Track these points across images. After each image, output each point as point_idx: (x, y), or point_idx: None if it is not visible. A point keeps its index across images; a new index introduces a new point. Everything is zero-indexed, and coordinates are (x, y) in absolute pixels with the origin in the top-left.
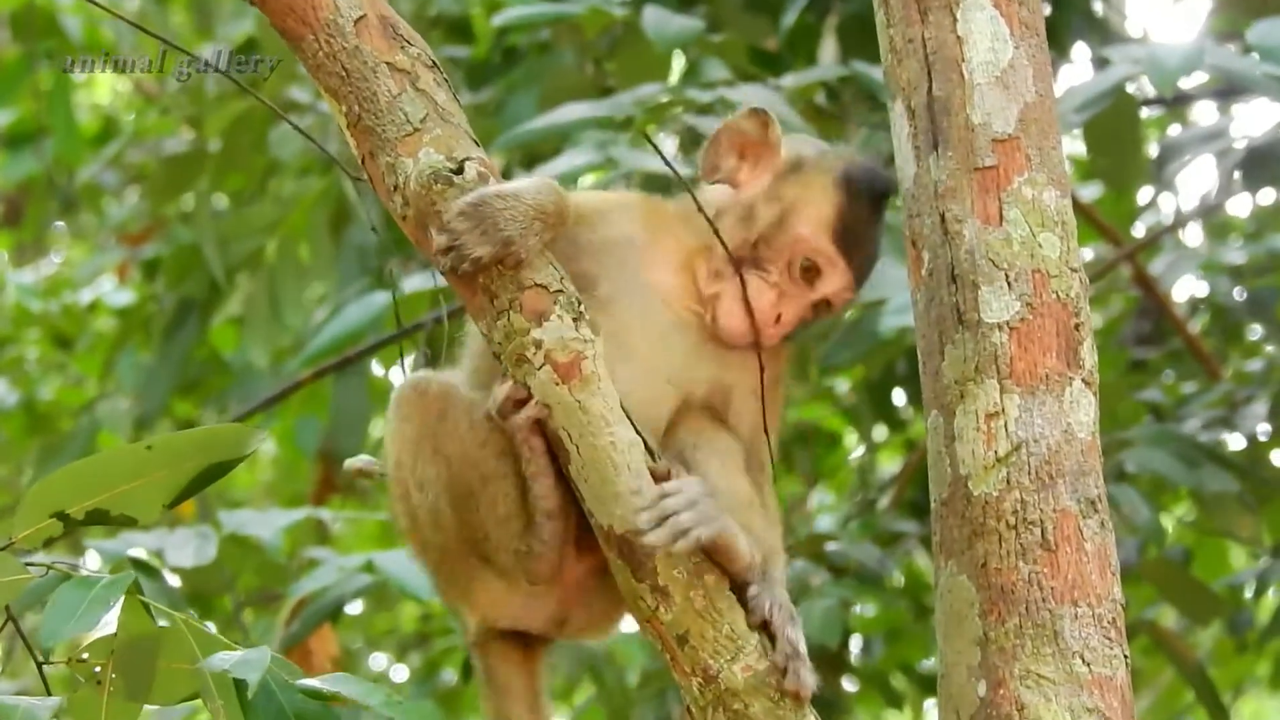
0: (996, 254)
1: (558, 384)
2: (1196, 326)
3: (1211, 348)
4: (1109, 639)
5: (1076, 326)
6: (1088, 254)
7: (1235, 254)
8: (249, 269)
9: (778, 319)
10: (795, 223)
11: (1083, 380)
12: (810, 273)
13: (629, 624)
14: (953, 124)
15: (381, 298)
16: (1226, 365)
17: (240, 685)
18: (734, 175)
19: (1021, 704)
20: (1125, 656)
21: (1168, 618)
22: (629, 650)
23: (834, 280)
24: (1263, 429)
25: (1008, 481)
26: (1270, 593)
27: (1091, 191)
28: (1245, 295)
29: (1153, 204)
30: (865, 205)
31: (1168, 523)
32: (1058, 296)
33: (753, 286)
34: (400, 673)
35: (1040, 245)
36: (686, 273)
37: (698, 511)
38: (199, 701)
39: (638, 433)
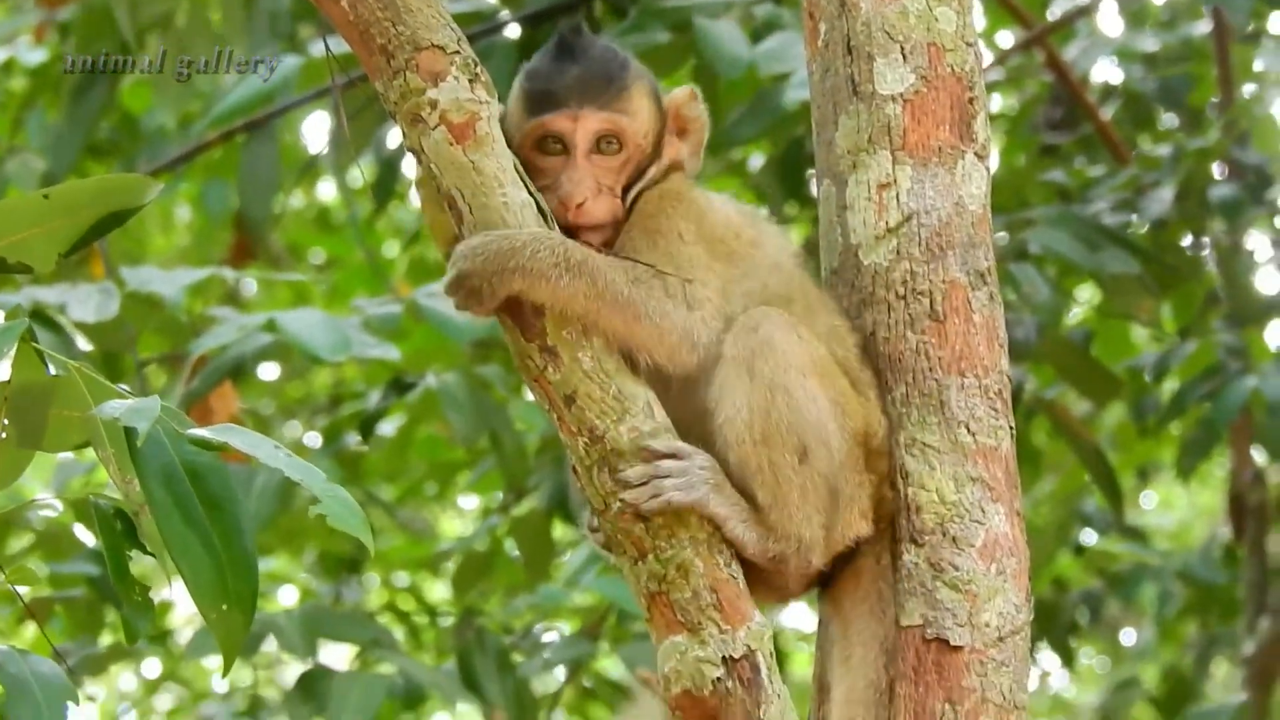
0: (893, 26)
1: (452, 144)
2: (1109, 114)
3: (1123, 135)
4: (995, 410)
5: (970, 100)
6: (1005, 38)
7: (1149, 41)
8: (160, 30)
9: (578, 206)
10: (514, 143)
11: (975, 153)
12: (555, 146)
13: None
14: None
15: (291, 61)
16: (1137, 153)
17: (130, 434)
18: None
19: (906, 471)
20: (1011, 428)
21: (1075, 404)
22: (529, 416)
23: (564, 127)
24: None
25: (898, 252)
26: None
27: None
28: (1158, 83)
29: None
30: (545, 68)
31: (1071, 306)
32: (952, 70)
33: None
34: (313, 440)
35: (936, 19)
36: None
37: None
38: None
39: (530, 194)
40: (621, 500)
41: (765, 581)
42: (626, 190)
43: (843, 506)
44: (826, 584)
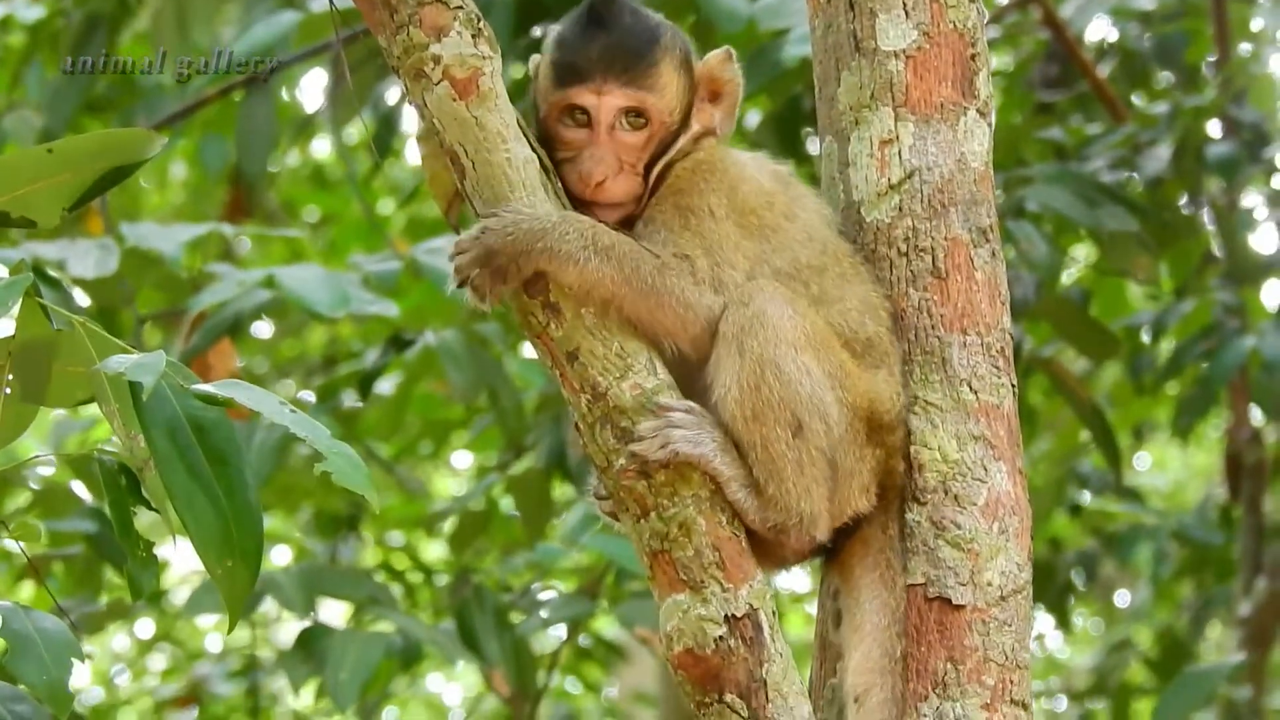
0: None
1: (454, 100)
2: (1105, 71)
3: (1120, 93)
4: (997, 368)
5: (973, 57)
6: None
7: None
8: None
9: (598, 184)
10: (541, 112)
11: (977, 110)
12: (579, 118)
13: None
14: None
15: (289, 17)
16: (1133, 111)
17: (135, 388)
18: None
19: (908, 429)
20: (1013, 385)
21: (1073, 363)
22: (527, 374)
23: (588, 100)
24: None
25: (900, 209)
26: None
27: None
28: (1154, 41)
29: None
30: (574, 38)
31: (1068, 264)
32: (955, 26)
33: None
34: (308, 399)
35: None
36: None
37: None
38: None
39: (533, 149)
40: (630, 451)
41: (763, 548)
42: (651, 165)
43: (842, 480)
44: (831, 553)
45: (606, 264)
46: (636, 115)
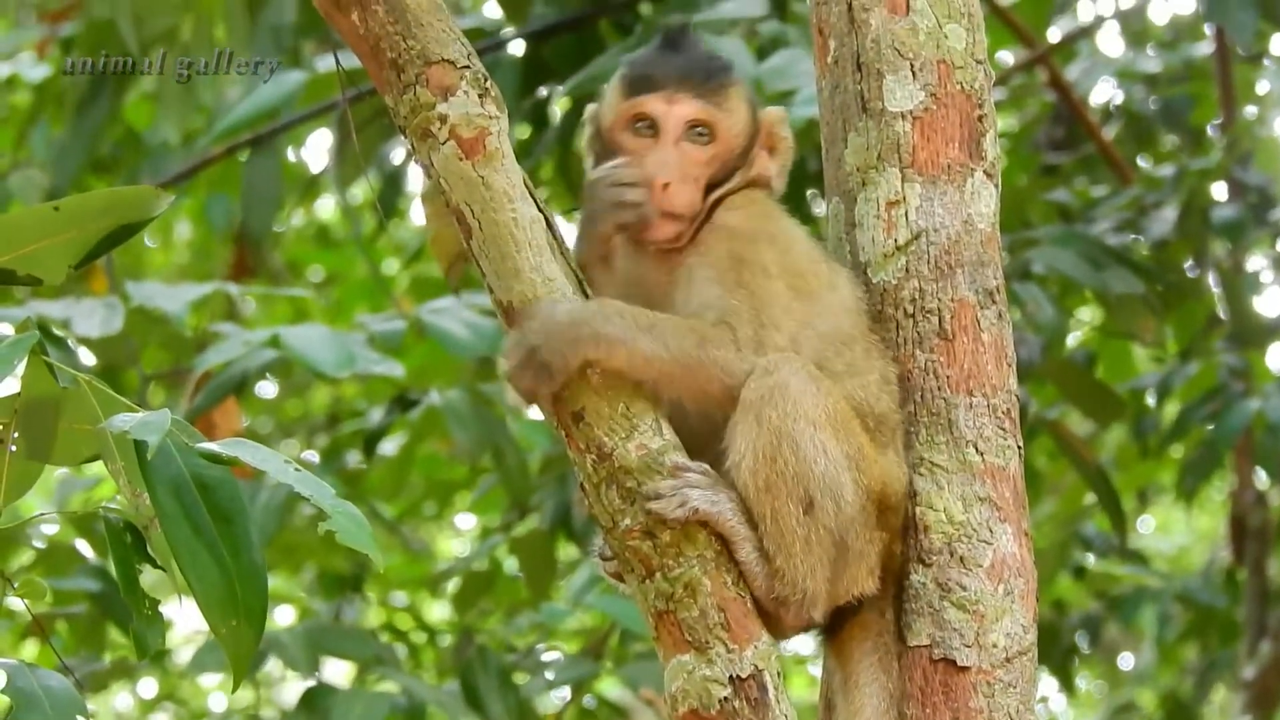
0: (902, 43)
1: (461, 159)
2: (1110, 133)
3: (1125, 156)
4: (1003, 429)
5: (980, 118)
6: (1007, 58)
7: (1151, 62)
8: (164, 46)
9: (664, 185)
10: (604, 126)
11: (984, 171)
12: (646, 130)
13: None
14: None
15: (296, 76)
16: (1138, 173)
17: (140, 447)
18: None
19: (914, 491)
20: (1019, 447)
21: (1078, 425)
22: (532, 435)
23: (658, 108)
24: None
25: (907, 270)
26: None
27: None
28: (1160, 104)
29: (1071, 9)
30: (649, 57)
31: (1073, 326)
32: (962, 87)
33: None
34: (311, 459)
35: (946, 36)
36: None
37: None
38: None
39: (539, 210)
40: (648, 509)
41: (762, 619)
42: (710, 189)
43: (851, 561)
44: (829, 631)
45: (655, 342)
46: (703, 131)
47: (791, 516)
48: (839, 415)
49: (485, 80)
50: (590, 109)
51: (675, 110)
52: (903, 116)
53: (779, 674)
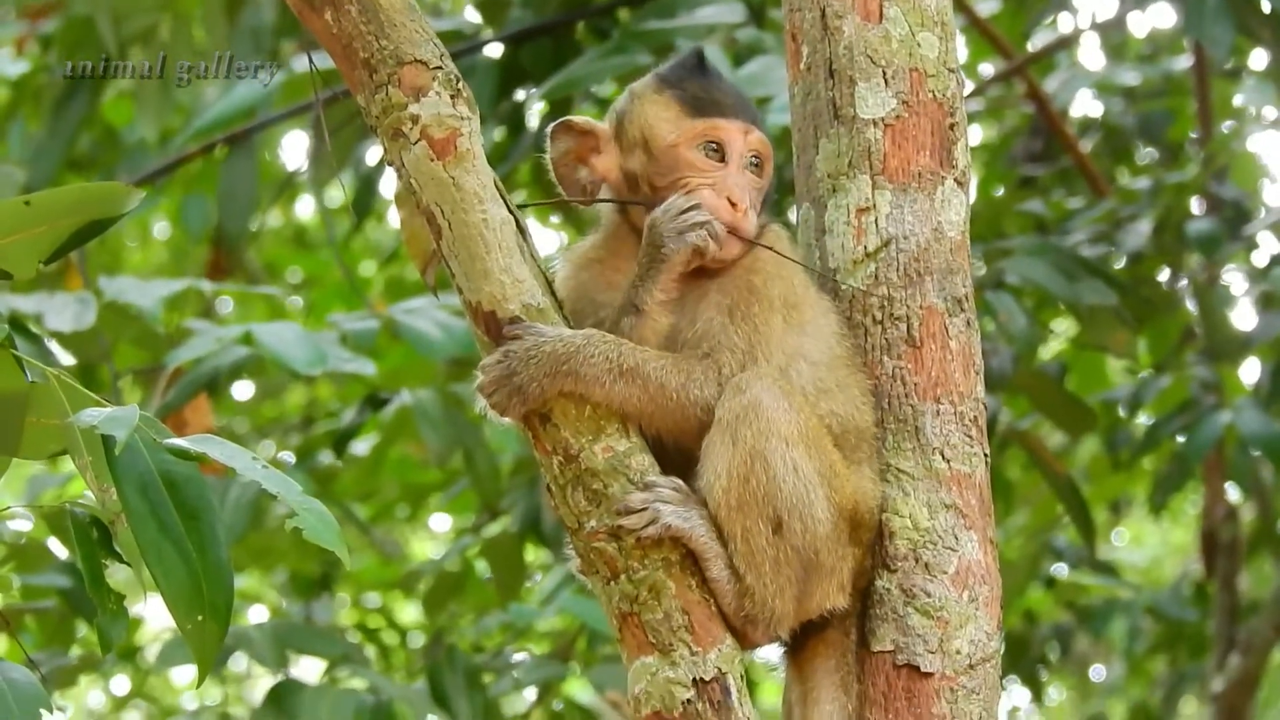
0: (875, 50)
1: (432, 160)
2: (1088, 146)
3: (1102, 168)
4: (970, 437)
5: (951, 126)
6: (986, 69)
7: (1130, 75)
8: (142, 44)
9: (745, 210)
10: (658, 140)
11: (955, 180)
12: (716, 152)
13: None
14: None
15: (272, 77)
16: (1115, 186)
17: (108, 442)
18: (595, 176)
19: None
20: (985, 455)
21: (1050, 436)
22: (503, 437)
23: (734, 136)
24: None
25: (876, 277)
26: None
27: (990, 5)
28: (1137, 117)
29: (1050, 21)
30: (695, 78)
31: (1048, 338)
32: (934, 95)
33: (708, 202)
34: (287, 459)
35: (919, 44)
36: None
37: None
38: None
39: (510, 211)
40: (620, 525)
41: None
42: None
43: (822, 578)
44: (792, 647)
45: (631, 386)
46: (758, 161)
47: (761, 536)
48: (810, 432)
49: (457, 81)
50: (619, 106)
51: (749, 139)
52: (874, 124)
53: (742, 677)
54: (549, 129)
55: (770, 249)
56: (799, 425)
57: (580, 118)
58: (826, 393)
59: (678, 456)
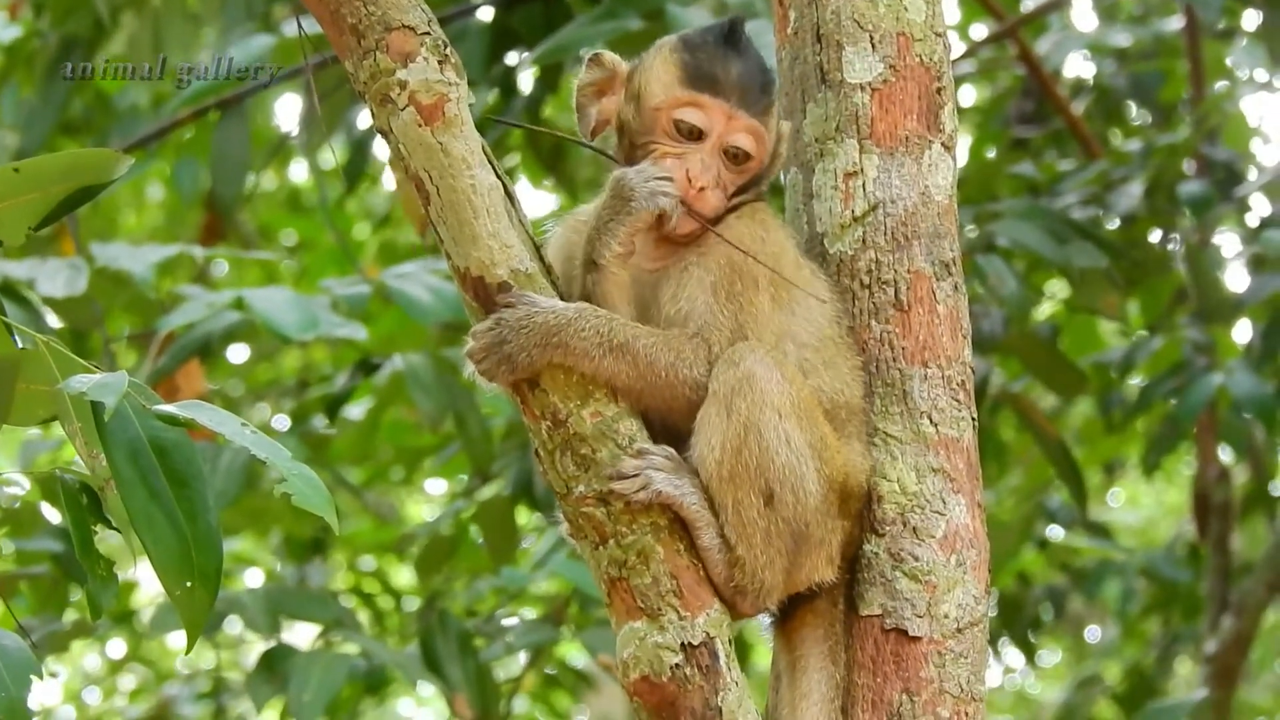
0: (862, 15)
1: (420, 125)
2: (1080, 108)
3: (1094, 130)
4: (957, 400)
5: (939, 90)
6: (978, 31)
7: (1121, 37)
8: (134, 9)
9: (700, 189)
10: (648, 99)
11: (942, 144)
12: (693, 133)
13: None
14: None
15: (264, 40)
16: (1107, 148)
17: (97, 408)
18: (602, 116)
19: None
20: (973, 419)
21: (1042, 398)
22: (495, 401)
23: (715, 117)
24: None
25: (863, 241)
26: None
27: None
28: (1129, 79)
29: None
30: (711, 48)
31: (1039, 301)
32: (921, 60)
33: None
34: (281, 423)
35: (906, 8)
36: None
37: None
38: None
39: (498, 176)
40: (611, 490)
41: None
42: (735, 194)
43: (811, 550)
44: (780, 617)
45: (621, 361)
46: (742, 151)
47: (753, 508)
48: (803, 403)
49: (445, 47)
50: (646, 58)
51: (730, 125)
52: (861, 88)
53: (730, 641)
54: (586, 56)
55: (721, 236)
56: (792, 398)
57: (611, 54)
58: (814, 371)
59: (665, 434)
